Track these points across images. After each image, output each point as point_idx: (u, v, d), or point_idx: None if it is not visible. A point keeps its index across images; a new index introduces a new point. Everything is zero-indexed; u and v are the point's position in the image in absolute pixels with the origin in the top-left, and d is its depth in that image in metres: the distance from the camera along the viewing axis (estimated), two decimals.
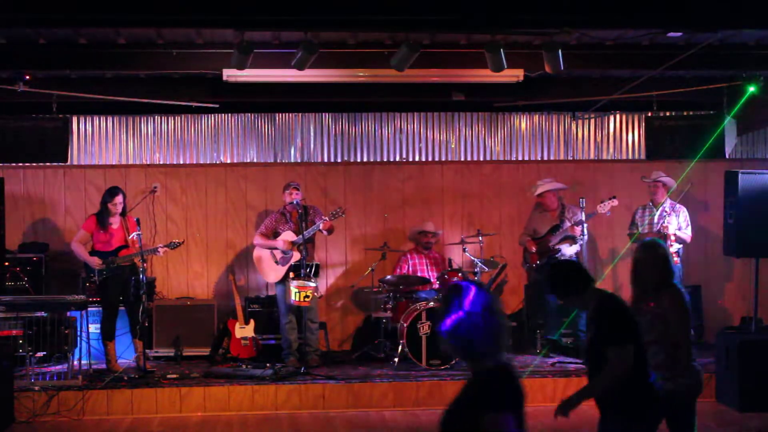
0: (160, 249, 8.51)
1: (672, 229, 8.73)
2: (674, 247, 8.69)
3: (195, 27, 7.27)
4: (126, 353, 8.70)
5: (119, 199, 8.39)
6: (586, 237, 8.92)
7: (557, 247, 8.92)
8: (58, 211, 9.83)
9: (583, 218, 8.70)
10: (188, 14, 6.20)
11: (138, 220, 8.48)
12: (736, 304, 10.18)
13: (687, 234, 8.89)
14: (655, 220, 8.89)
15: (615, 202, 8.82)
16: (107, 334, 8.45)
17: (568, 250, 8.94)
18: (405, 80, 8.22)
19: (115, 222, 8.43)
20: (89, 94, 8.58)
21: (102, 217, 8.40)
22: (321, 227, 8.50)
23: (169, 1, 6.15)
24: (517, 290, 10.11)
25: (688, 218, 8.94)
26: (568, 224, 8.90)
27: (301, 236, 8.39)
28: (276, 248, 8.71)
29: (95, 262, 8.30)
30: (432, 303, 8.52)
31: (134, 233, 8.34)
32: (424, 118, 10.13)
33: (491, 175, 10.25)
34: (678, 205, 8.99)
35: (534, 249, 9.01)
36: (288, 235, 8.70)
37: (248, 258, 9.70)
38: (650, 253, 4.97)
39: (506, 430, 2.99)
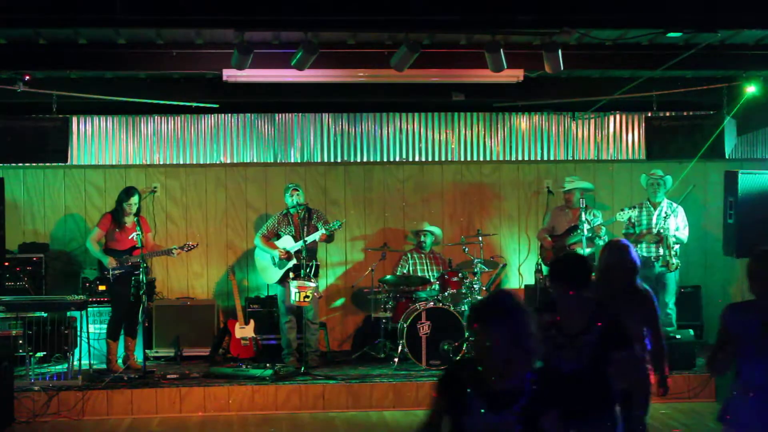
0: (174, 251, 8.55)
1: (672, 230, 8.74)
2: (674, 248, 8.71)
3: (195, 27, 7.25)
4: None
5: (135, 199, 8.46)
6: (605, 239, 8.98)
7: (572, 246, 8.94)
8: (58, 211, 9.83)
9: (602, 221, 8.79)
10: (188, 14, 6.20)
11: (138, 221, 8.52)
12: None
13: (685, 234, 8.92)
14: (654, 221, 8.89)
15: (635, 212, 8.82)
16: (114, 334, 8.48)
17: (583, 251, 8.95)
18: (405, 80, 8.20)
19: (130, 221, 8.48)
20: (89, 94, 8.58)
21: (117, 216, 8.47)
22: (317, 239, 8.52)
23: (169, 1, 6.15)
24: (517, 290, 10.12)
25: (685, 218, 8.97)
26: (586, 226, 8.87)
27: (301, 241, 8.40)
28: (273, 255, 8.73)
29: (111, 261, 8.35)
30: (432, 303, 8.52)
31: (134, 233, 8.37)
32: (424, 118, 10.12)
33: (491, 175, 10.25)
34: (675, 205, 9.00)
35: (550, 246, 9.05)
36: (287, 241, 8.69)
37: (248, 258, 9.71)
38: (620, 255, 4.98)
39: None
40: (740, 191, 8.13)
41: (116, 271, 8.35)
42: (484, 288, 8.88)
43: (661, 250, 8.73)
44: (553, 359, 4.20)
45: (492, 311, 3.21)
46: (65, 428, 7.35)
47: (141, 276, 8.14)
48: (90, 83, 8.70)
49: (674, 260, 8.68)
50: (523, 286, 10.06)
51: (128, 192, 8.50)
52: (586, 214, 8.97)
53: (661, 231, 8.76)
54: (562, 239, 9.03)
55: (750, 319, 3.98)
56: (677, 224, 8.86)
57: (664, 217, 8.85)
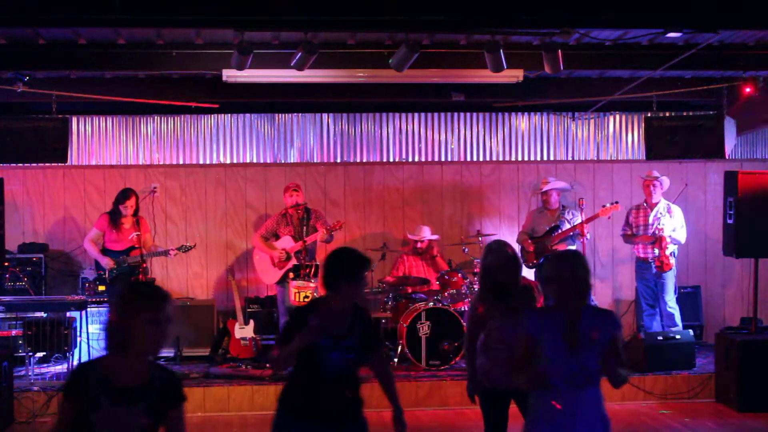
0: (171, 252, 8.55)
1: (667, 231, 8.75)
2: (669, 249, 8.71)
3: (195, 27, 7.26)
4: None
5: (131, 202, 8.47)
6: (589, 236, 8.98)
7: (556, 247, 8.93)
8: (58, 211, 9.82)
9: (582, 220, 8.78)
10: (188, 14, 6.20)
11: (137, 221, 8.52)
12: (736, 304, 10.18)
13: (682, 234, 8.90)
14: (650, 222, 8.89)
15: (618, 208, 8.84)
16: None
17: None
18: (405, 80, 8.21)
19: (128, 222, 8.49)
20: (89, 94, 8.58)
21: (114, 217, 8.48)
22: (317, 239, 8.54)
23: (169, 1, 6.15)
24: None
25: (682, 218, 8.96)
26: (566, 225, 8.93)
27: (301, 241, 8.42)
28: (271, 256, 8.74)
29: (107, 262, 8.36)
30: (431, 303, 8.52)
31: (133, 233, 8.37)
32: (424, 118, 10.12)
33: (491, 175, 10.25)
34: (672, 206, 9.00)
35: (531, 248, 9.03)
36: (286, 242, 8.69)
37: (248, 258, 9.70)
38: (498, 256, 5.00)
39: None
40: (740, 191, 8.13)
41: (114, 272, 8.36)
42: None
43: (656, 251, 8.73)
44: (323, 364, 4.22)
45: (165, 293, 3.53)
46: None
47: (139, 276, 8.14)
48: (90, 83, 8.70)
49: (670, 260, 8.68)
50: None
51: (125, 194, 8.50)
52: (565, 213, 9.00)
53: (657, 232, 8.77)
54: (543, 240, 9.02)
55: (552, 326, 3.90)
56: (674, 225, 8.86)
57: (660, 218, 8.85)
